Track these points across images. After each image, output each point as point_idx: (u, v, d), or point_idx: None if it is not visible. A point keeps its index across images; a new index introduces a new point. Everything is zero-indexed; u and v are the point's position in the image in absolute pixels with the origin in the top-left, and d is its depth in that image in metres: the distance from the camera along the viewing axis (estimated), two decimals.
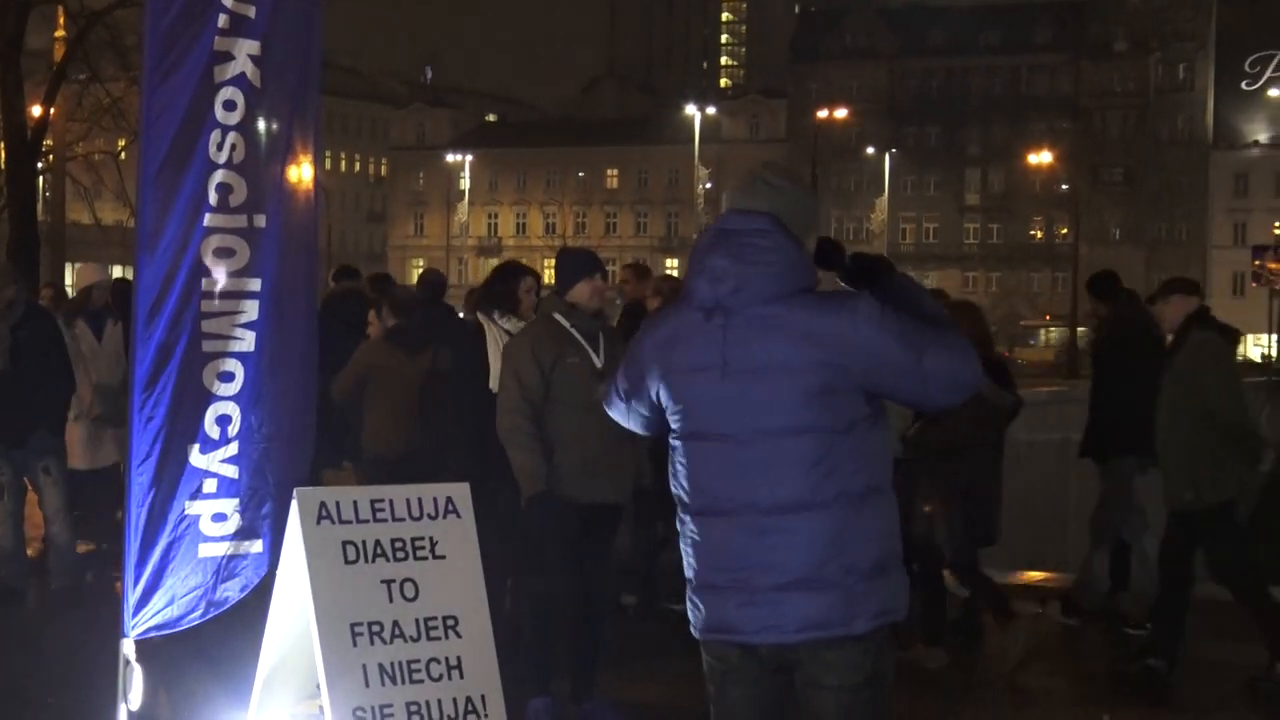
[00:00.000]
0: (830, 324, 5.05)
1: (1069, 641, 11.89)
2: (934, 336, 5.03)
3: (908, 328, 5.01)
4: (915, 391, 5.07)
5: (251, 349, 7.05)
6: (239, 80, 7.01)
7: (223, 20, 6.96)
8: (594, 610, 9.16)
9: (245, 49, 7.03)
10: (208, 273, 6.94)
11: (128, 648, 6.77)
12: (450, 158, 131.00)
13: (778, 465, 5.03)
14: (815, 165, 65.85)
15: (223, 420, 6.97)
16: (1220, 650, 11.18)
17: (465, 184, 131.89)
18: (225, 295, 7.00)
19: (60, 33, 35.60)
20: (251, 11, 7.03)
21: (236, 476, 6.99)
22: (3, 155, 36.00)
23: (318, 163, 7.40)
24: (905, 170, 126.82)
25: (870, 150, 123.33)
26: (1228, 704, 10.06)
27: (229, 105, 6.99)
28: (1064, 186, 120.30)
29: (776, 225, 5.29)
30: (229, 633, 7.44)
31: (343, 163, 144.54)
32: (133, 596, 6.80)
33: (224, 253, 6.97)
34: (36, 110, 35.10)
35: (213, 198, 6.93)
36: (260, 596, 6.99)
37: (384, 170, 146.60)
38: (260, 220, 7.06)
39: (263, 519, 6.97)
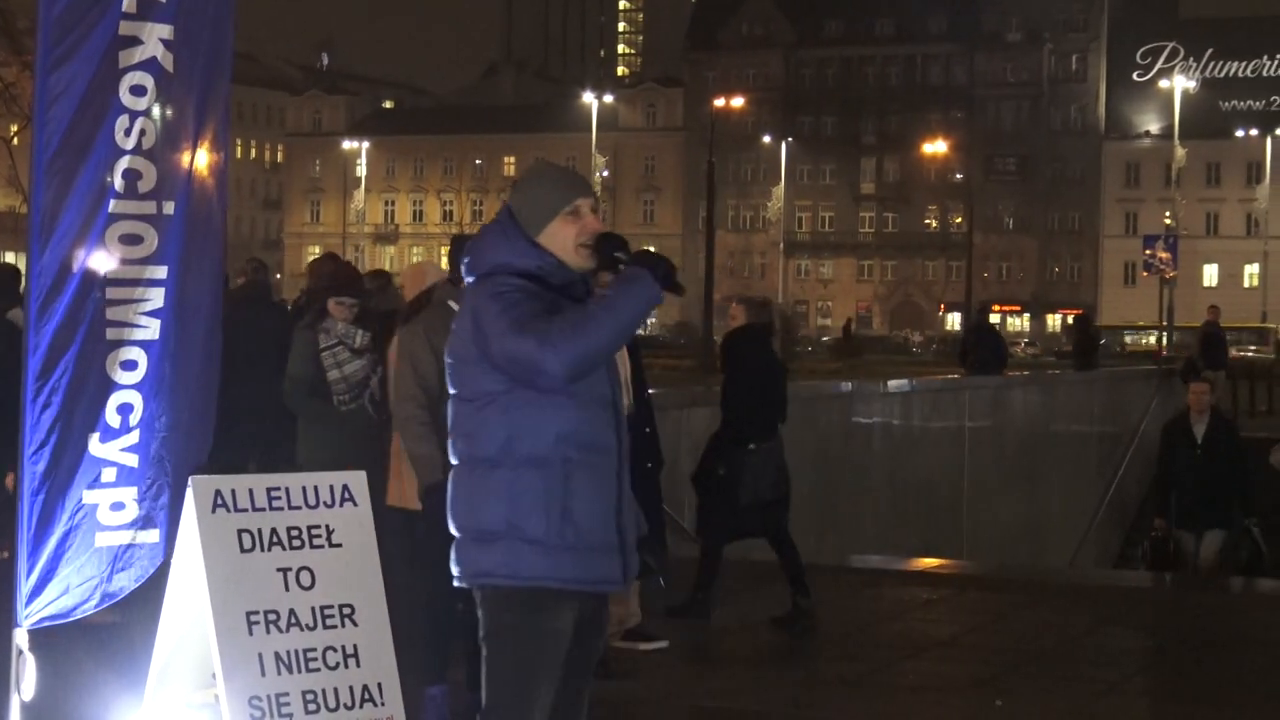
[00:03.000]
0: (468, 305, 5.76)
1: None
2: (541, 328, 5.53)
3: (503, 318, 5.57)
4: (503, 373, 5.64)
5: (155, 337, 7.00)
6: (149, 65, 6.95)
7: (128, 3, 6.90)
8: None
9: (156, 33, 6.97)
10: (112, 260, 6.88)
11: (20, 637, 6.72)
12: (346, 144, 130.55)
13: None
14: (712, 154, 65.88)
15: (124, 409, 6.91)
16: None
17: (362, 171, 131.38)
18: (130, 283, 6.94)
19: None
20: None
21: (136, 465, 6.94)
22: None
23: (226, 149, 7.37)
24: (801, 159, 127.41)
25: (767, 139, 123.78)
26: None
27: (137, 90, 6.93)
28: (959, 176, 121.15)
29: (505, 215, 5.89)
30: (123, 621, 7.41)
31: (239, 149, 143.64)
32: (26, 586, 6.75)
33: (130, 239, 6.91)
34: None
35: (119, 184, 6.87)
36: (155, 585, 6.96)
37: (280, 157, 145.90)
38: (169, 207, 7.01)
39: (160, 508, 6.93)
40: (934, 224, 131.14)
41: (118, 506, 6.91)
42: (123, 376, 6.91)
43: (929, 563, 15.10)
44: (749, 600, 12.15)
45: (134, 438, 6.94)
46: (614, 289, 5.56)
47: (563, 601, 5.62)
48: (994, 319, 55.72)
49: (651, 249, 5.96)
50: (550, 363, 5.47)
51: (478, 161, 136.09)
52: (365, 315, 10.86)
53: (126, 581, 6.98)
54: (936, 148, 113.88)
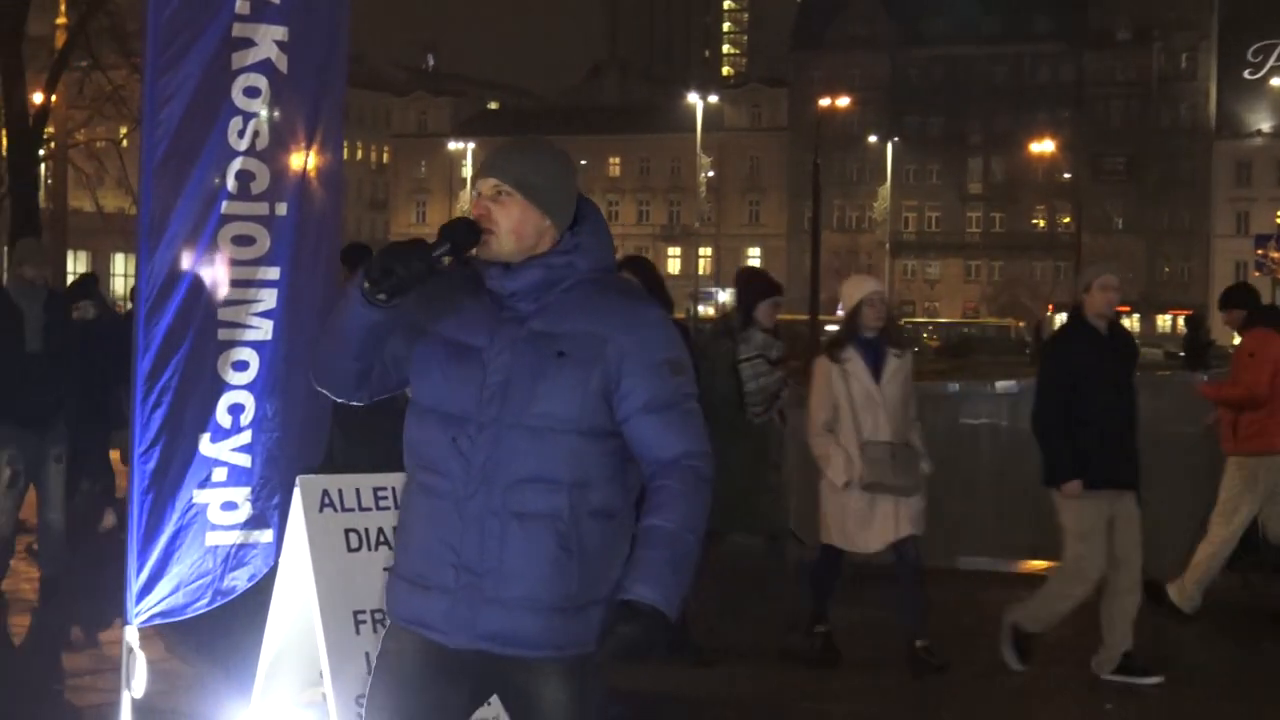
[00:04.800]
0: None
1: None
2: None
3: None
4: None
5: (268, 338, 7.02)
6: (262, 66, 6.97)
7: (240, 5, 6.92)
8: None
9: (270, 34, 6.99)
10: (223, 261, 6.91)
11: (130, 635, 6.77)
12: (452, 145, 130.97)
13: None
14: (818, 154, 65.81)
15: (235, 409, 6.93)
16: None
17: (467, 172, 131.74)
18: (242, 284, 6.97)
19: (61, 19, 35.62)
20: None
21: (249, 465, 6.97)
22: (5, 142, 36.03)
23: (340, 150, 7.38)
24: (907, 159, 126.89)
25: (872, 139, 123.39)
26: None
27: (251, 91, 6.95)
28: (1066, 175, 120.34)
29: None
30: (231, 622, 7.45)
31: (345, 150, 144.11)
32: (136, 584, 6.79)
33: (243, 240, 6.94)
34: (38, 97, 35.12)
35: (232, 185, 6.90)
36: (263, 584, 7.00)
37: (386, 158, 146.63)
38: (282, 208, 7.03)
39: (273, 508, 6.94)
40: (1041, 224, 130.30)
41: (229, 506, 6.94)
42: (234, 377, 6.94)
43: (1037, 565, 14.92)
44: (865, 602, 12.08)
45: (246, 438, 6.97)
46: None
47: (401, 637, 4.88)
48: None
49: (401, 241, 4.94)
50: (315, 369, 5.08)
51: (582, 162, 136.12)
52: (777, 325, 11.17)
53: (239, 580, 7.01)
54: (1044, 147, 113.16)
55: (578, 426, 4.66)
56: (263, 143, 6.98)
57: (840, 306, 10.64)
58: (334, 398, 5.00)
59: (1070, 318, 10.42)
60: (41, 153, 36.49)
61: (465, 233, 4.77)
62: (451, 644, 4.73)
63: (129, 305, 23.73)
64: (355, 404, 5.00)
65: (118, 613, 6.92)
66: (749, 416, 10.83)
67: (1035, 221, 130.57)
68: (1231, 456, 12.45)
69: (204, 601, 6.95)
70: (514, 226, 4.77)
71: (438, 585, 4.73)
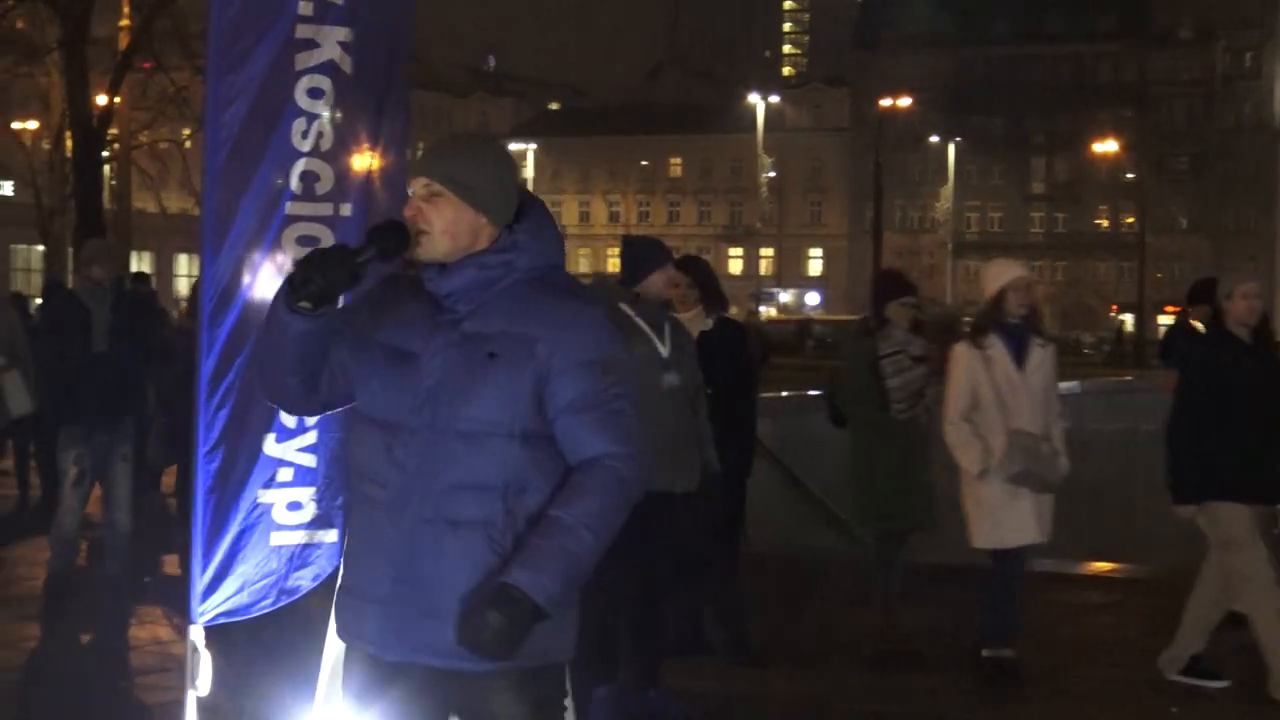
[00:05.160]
0: None
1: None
2: None
3: None
4: None
5: None
6: (326, 67, 6.98)
7: (304, 6, 6.93)
8: (657, 599, 9.15)
9: (334, 36, 7.00)
10: (288, 261, 6.91)
11: (195, 634, 6.79)
12: (513, 146, 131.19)
13: None
14: (879, 154, 65.69)
15: None
16: None
17: (528, 173, 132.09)
18: None
19: (125, 21, 35.83)
20: None
21: (314, 465, 6.97)
22: (70, 144, 36.28)
23: (405, 150, 7.38)
24: (970, 158, 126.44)
25: (934, 138, 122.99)
26: None
27: (315, 93, 6.96)
28: (1130, 175, 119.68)
29: None
30: (294, 622, 7.47)
31: (408, 151, 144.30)
32: (200, 583, 6.81)
33: (307, 241, 6.94)
34: (102, 99, 35.33)
35: (296, 185, 6.91)
36: (325, 586, 7.00)
37: None
38: (346, 209, 7.04)
39: (337, 508, 6.94)
40: (1105, 224, 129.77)
41: (294, 506, 6.95)
42: None
43: (1102, 566, 14.88)
44: (927, 604, 12.05)
45: (311, 438, 6.97)
46: None
47: (350, 654, 4.82)
48: (1166, 320, 54.89)
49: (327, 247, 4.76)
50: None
51: (643, 163, 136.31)
52: (918, 323, 10.94)
53: (304, 581, 7.02)
54: (1107, 147, 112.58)
55: (510, 430, 4.54)
56: (327, 144, 6.99)
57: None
58: (285, 412, 4.91)
59: (1210, 326, 10.16)
60: (106, 154, 36.73)
61: (393, 236, 4.65)
62: (388, 658, 4.64)
63: (182, 305, 23.87)
64: (311, 416, 4.87)
65: (182, 612, 6.94)
66: (893, 414, 10.71)
67: (1098, 222, 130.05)
68: None
69: (268, 601, 6.96)
70: (447, 226, 4.65)
71: (375, 598, 4.64)
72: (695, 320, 10.20)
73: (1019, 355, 10.01)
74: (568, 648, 4.78)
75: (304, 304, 4.53)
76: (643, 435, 8.72)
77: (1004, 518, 10.00)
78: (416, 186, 4.70)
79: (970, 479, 10.06)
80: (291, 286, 4.55)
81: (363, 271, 4.57)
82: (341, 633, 4.80)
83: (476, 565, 4.51)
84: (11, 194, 59.48)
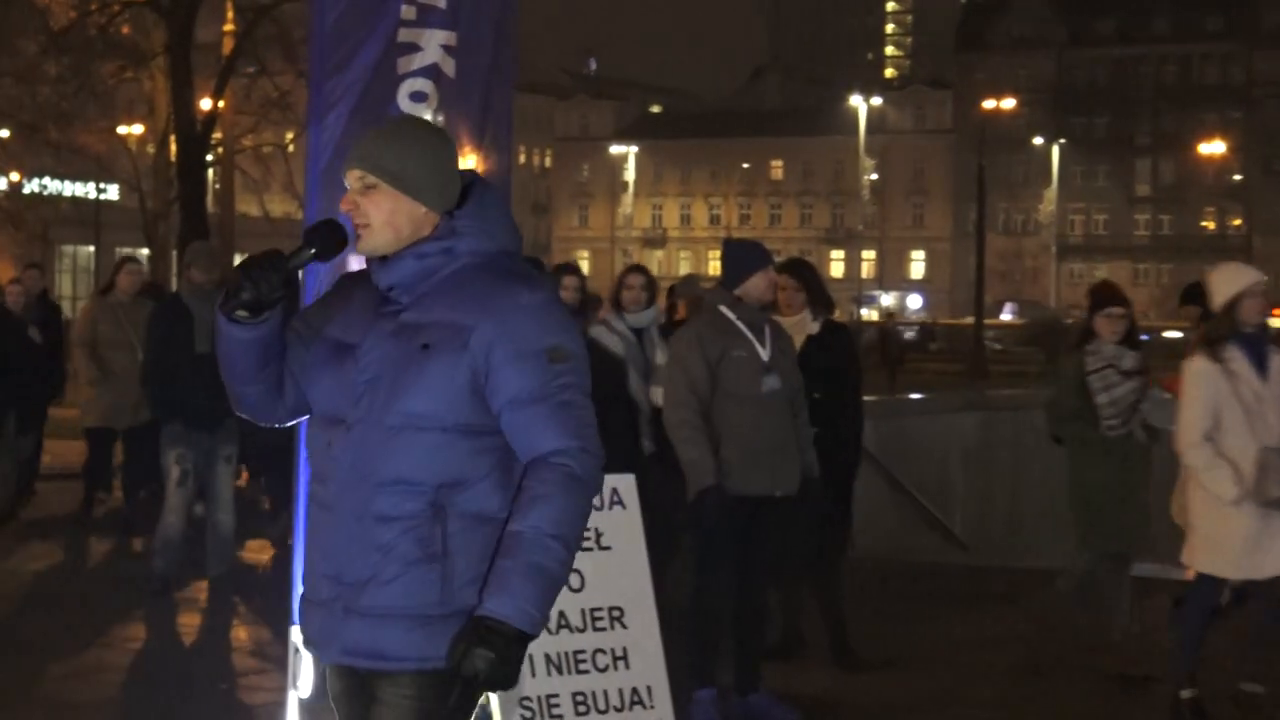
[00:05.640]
0: None
1: None
2: None
3: None
4: None
5: None
6: (429, 70, 7.01)
7: (406, 11, 6.96)
8: (759, 602, 9.14)
9: (436, 39, 7.02)
10: None
11: (296, 635, 6.82)
12: (614, 149, 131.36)
13: None
14: (983, 156, 65.28)
15: None
16: None
17: (630, 175, 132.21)
18: None
19: (229, 26, 36.10)
20: (442, 2, 7.03)
21: None
22: (174, 148, 36.59)
23: (508, 153, 7.39)
24: (1074, 160, 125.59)
25: (1038, 140, 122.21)
26: None
27: (417, 96, 6.99)
28: (1236, 177, 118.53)
29: None
30: None
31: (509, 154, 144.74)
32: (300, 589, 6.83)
33: None
34: (206, 103, 35.61)
35: None
36: None
37: (549, 162, 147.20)
38: None
39: None
40: (1211, 226, 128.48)
41: None
42: None
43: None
44: (1010, 608, 11.98)
45: None
46: None
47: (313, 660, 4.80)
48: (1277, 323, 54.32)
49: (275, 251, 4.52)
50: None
51: (744, 165, 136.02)
52: (1130, 335, 10.55)
53: None
54: (1213, 148, 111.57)
55: (442, 423, 4.35)
56: None
57: (1213, 301, 9.23)
58: (257, 421, 4.75)
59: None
60: (209, 158, 36.98)
61: (329, 235, 4.52)
62: (324, 659, 4.54)
63: None
64: (277, 425, 4.73)
65: (284, 612, 6.97)
66: (1104, 431, 10.44)
67: (1204, 224, 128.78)
68: None
69: None
70: (387, 218, 4.48)
71: (316, 599, 4.52)
72: (802, 323, 10.17)
73: (1260, 366, 9.15)
74: None
75: (240, 313, 4.41)
76: (742, 438, 8.77)
77: (1265, 545, 9.08)
78: (351, 179, 4.52)
79: (1214, 504, 9.13)
80: (226, 296, 4.43)
81: (295, 276, 4.44)
82: (303, 633, 4.65)
83: (403, 564, 4.35)
84: (117, 198, 59.95)
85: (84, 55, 37.13)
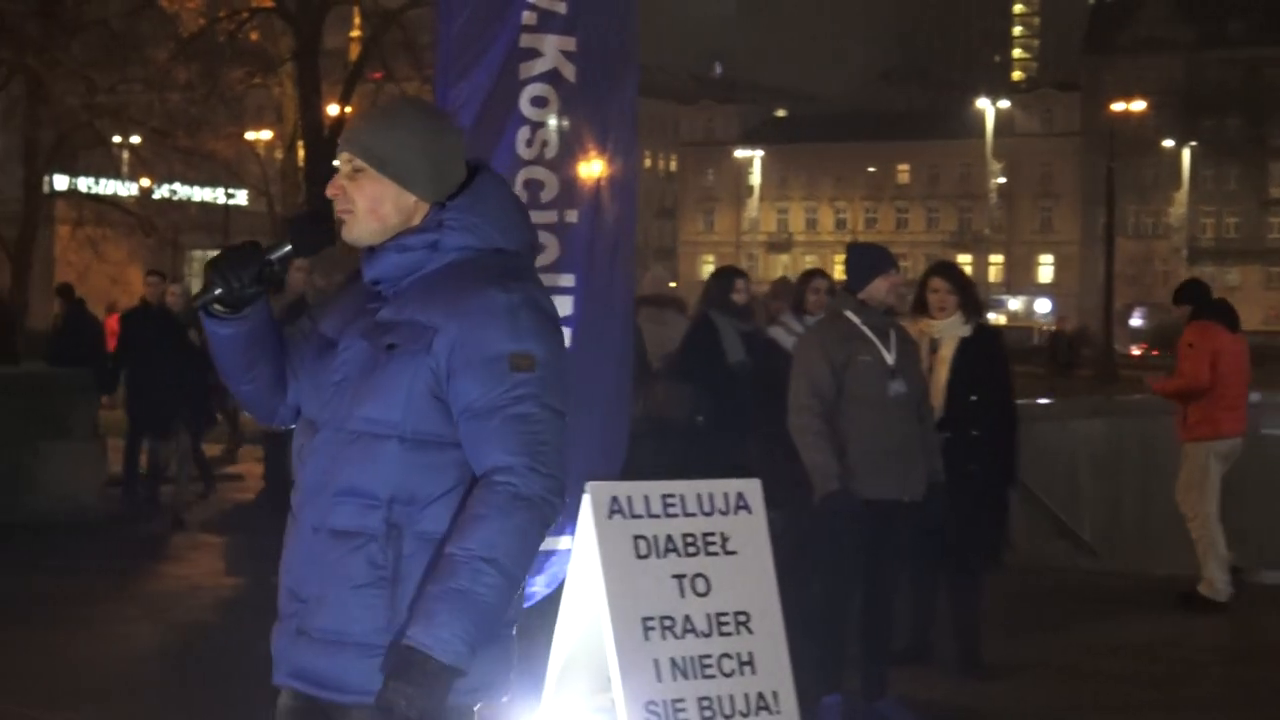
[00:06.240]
0: None
1: None
2: None
3: None
4: None
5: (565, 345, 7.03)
6: (550, 76, 7.02)
7: (527, 17, 6.98)
8: (886, 608, 9.10)
9: (556, 45, 7.04)
10: None
11: None
12: (740, 153, 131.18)
13: None
14: (1112, 159, 64.76)
15: None
16: None
17: (755, 180, 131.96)
18: None
19: (356, 32, 36.44)
20: (562, 7, 7.04)
21: None
22: (302, 153, 36.93)
23: (632, 157, 7.38)
24: (1204, 163, 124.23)
25: (1168, 143, 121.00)
26: None
27: (538, 101, 7.00)
28: None
29: None
30: (522, 625, 7.49)
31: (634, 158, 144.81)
32: None
33: None
34: (333, 109, 35.93)
35: (521, 194, 6.96)
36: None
37: (674, 166, 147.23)
38: (572, 216, 7.06)
39: (573, 515, 6.93)
40: None
41: None
42: None
43: None
44: (1140, 616, 11.87)
45: None
46: None
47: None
48: None
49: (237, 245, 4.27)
50: None
51: (871, 169, 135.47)
52: None
53: (540, 587, 7.06)
54: None
55: (400, 431, 4.03)
56: (551, 152, 7.02)
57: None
58: (259, 421, 4.46)
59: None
60: (337, 164, 37.31)
61: (311, 227, 4.24)
62: (275, 678, 4.20)
63: None
64: (287, 426, 4.40)
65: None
66: None
67: None
68: (1184, 444, 12.80)
69: None
70: (371, 206, 4.17)
71: (282, 614, 4.19)
72: (954, 326, 10.13)
73: None
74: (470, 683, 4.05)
75: (218, 308, 4.14)
76: (868, 443, 8.73)
77: None
78: (341, 163, 4.25)
79: None
80: (199, 291, 4.17)
81: (276, 271, 4.15)
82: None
83: (352, 583, 4.03)
84: (245, 203, 60.60)
85: (213, 62, 37.54)
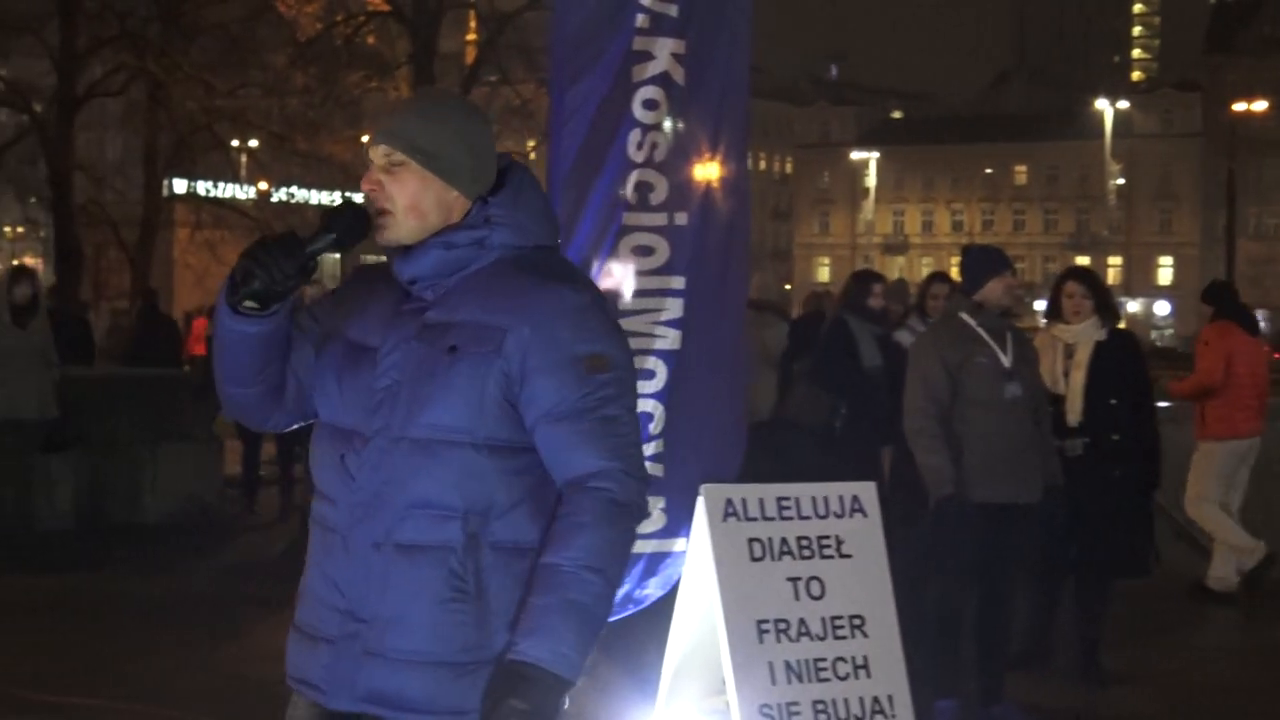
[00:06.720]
0: None
1: None
2: None
3: None
4: None
5: (675, 347, 7.04)
6: (661, 79, 7.03)
7: (640, 20, 6.98)
8: (1002, 612, 9.04)
9: (668, 48, 7.04)
10: (626, 271, 6.96)
11: None
12: (855, 155, 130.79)
13: None
14: (1233, 160, 64.16)
15: (643, 418, 6.93)
16: None
17: (870, 181, 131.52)
18: (646, 293, 7.01)
19: (471, 36, 36.65)
20: (673, 10, 7.04)
21: (661, 475, 6.99)
22: None
23: (744, 160, 7.37)
24: None
25: None
26: None
27: (649, 104, 7.01)
28: None
29: None
30: (636, 627, 7.51)
31: (749, 160, 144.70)
32: None
33: (643, 250, 6.99)
34: None
35: (631, 196, 6.96)
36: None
37: (789, 168, 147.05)
38: (681, 218, 7.06)
39: (686, 518, 6.93)
40: None
41: None
42: (640, 386, 6.98)
43: None
44: (1262, 622, 11.73)
45: (656, 447, 7.00)
46: None
47: (295, 703, 4.11)
48: None
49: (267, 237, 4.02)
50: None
51: (987, 171, 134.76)
52: None
53: (654, 589, 7.06)
54: None
55: (472, 438, 3.85)
56: (661, 154, 7.03)
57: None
58: (250, 427, 4.25)
59: None
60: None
61: (352, 220, 3.98)
62: (331, 705, 3.97)
63: None
64: (280, 430, 4.21)
65: None
66: None
67: None
68: (1200, 443, 13.02)
69: (619, 610, 6.99)
70: (412, 203, 3.96)
71: (323, 635, 3.97)
72: (1090, 330, 10.06)
73: None
74: None
75: (249, 304, 3.88)
76: (984, 446, 8.68)
77: None
78: (375, 156, 4.01)
79: None
80: (232, 284, 3.90)
81: (314, 264, 3.93)
82: (288, 675, 4.09)
83: (432, 600, 3.86)
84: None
85: (330, 66, 37.88)
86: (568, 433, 3.85)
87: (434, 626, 3.84)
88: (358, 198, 4.20)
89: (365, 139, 4.49)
